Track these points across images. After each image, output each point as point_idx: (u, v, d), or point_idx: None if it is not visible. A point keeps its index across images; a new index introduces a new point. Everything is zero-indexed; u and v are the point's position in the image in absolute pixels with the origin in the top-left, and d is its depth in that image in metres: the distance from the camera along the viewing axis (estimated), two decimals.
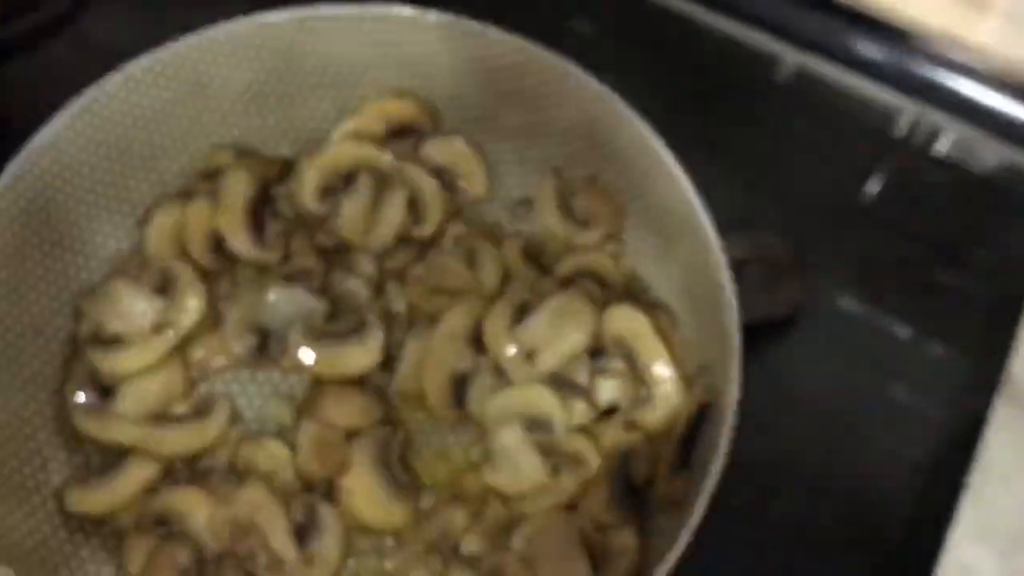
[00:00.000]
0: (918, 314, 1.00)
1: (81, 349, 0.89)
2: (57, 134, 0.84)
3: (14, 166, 0.82)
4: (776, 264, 0.99)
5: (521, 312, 0.88)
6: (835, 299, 1.02)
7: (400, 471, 0.86)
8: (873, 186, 1.09)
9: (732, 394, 0.76)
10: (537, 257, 0.94)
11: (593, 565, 0.79)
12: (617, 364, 0.88)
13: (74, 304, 0.90)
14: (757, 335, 0.81)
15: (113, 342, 0.89)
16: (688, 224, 0.83)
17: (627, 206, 0.93)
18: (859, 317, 1.01)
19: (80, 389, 0.88)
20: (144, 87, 0.88)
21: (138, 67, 0.86)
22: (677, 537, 0.71)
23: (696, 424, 0.82)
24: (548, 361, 0.87)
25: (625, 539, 0.81)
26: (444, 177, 0.97)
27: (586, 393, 0.87)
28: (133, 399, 0.87)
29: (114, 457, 0.86)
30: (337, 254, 0.94)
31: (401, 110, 0.98)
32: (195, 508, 0.82)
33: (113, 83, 0.85)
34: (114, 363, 0.88)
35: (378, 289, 0.92)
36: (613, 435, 0.86)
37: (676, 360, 0.86)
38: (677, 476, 0.81)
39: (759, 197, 1.06)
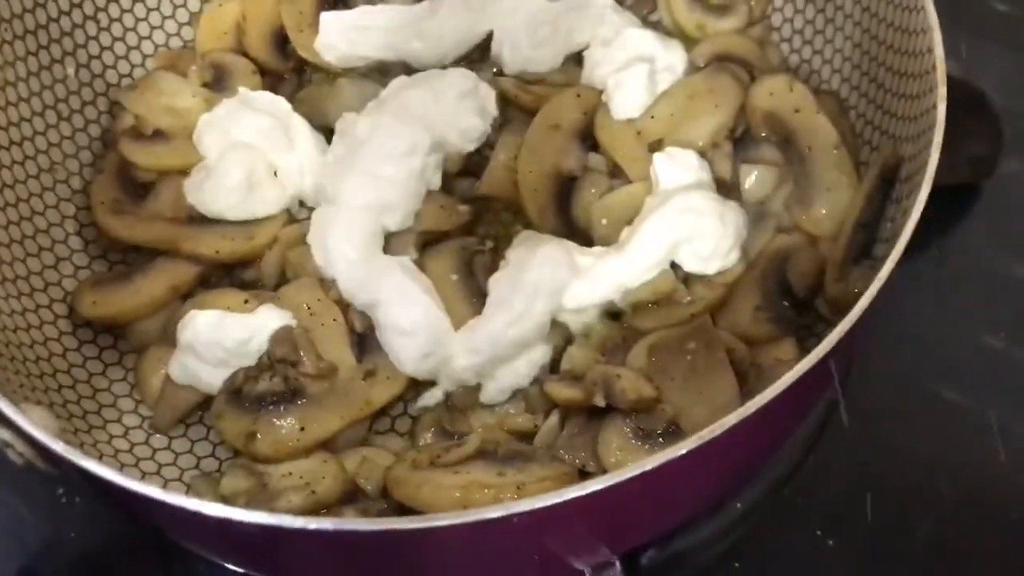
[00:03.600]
0: None
1: (114, 143, 0.74)
2: None
3: None
4: (954, 97, 0.78)
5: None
6: None
7: (486, 287, 0.67)
8: None
9: (935, 139, 0.56)
10: None
11: (740, 384, 0.59)
12: (770, 152, 0.68)
13: (111, 96, 0.76)
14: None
15: (155, 137, 0.75)
16: None
17: None
18: None
19: (109, 185, 0.73)
20: None
21: None
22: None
23: (880, 204, 0.62)
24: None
25: (782, 352, 0.61)
26: None
27: (729, 188, 0.67)
28: (170, 198, 0.72)
29: (143, 261, 0.70)
30: None
31: None
32: (233, 311, 0.65)
33: None
34: (155, 158, 0.74)
35: None
36: (765, 237, 0.66)
37: (848, 143, 0.66)
38: (852, 271, 0.61)
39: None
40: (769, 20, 0.76)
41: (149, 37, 0.79)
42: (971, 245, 0.80)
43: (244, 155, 0.71)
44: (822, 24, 0.72)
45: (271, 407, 0.62)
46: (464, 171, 0.73)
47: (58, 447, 0.48)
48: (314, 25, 0.79)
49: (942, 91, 0.57)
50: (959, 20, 0.90)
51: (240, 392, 0.62)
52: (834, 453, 0.69)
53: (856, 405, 0.70)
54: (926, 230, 0.79)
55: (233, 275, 0.71)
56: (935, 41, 0.58)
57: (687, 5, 0.77)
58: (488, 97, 0.74)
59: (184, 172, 0.73)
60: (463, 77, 0.74)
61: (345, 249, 0.65)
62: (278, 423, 0.61)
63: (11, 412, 0.50)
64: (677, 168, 0.65)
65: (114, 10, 0.77)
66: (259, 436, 0.61)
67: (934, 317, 0.75)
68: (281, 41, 0.80)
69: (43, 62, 0.72)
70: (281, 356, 0.63)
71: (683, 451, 0.48)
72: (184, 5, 0.80)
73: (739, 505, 0.67)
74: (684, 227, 0.62)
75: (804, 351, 0.60)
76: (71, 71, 0.74)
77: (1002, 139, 0.80)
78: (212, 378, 0.63)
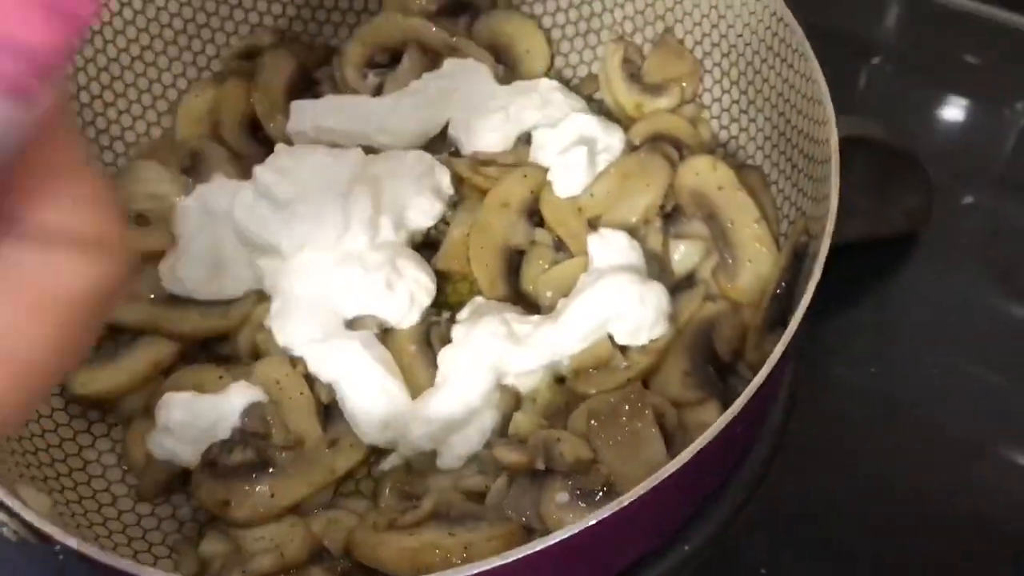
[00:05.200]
0: None
1: None
2: None
3: None
4: (885, 157, 0.85)
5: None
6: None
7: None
8: None
9: (827, 226, 0.62)
10: None
11: (667, 445, 0.65)
12: (696, 227, 0.75)
13: None
14: (862, 259, 0.67)
15: (136, 221, 0.81)
16: (778, 49, 0.71)
17: (704, 60, 0.80)
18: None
19: None
20: None
21: None
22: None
23: (792, 276, 0.68)
24: (615, 226, 0.74)
25: (707, 415, 0.67)
26: (501, 54, 0.87)
27: (660, 260, 0.74)
28: (151, 280, 0.78)
29: (127, 340, 0.76)
30: None
31: None
32: (208, 385, 0.71)
33: None
34: (135, 242, 0.80)
35: None
36: (693, 305, 0.72)
37: (767, 217, 0.72)
38: (769, 338, 0.67)
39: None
40: (700, 99, 0.82)
41: (132, 127, 0.85)
42: (912, 288, 0.87)
43: (212, 240, 0.77)
44: (746, 104, 0.78)
45: (244, 476, 0.68)
46: (424, 244, 0.80)
47: (50, 530, 0.54)
48: (284, 112, 0.85)
49: (835, 180, 0.62)
50: (886, 76, 0.99)
51: (215, 463, 0.68)
52: (779, 491, 0.76)
53: (796, 449, 0.77)
54: (869, 278, 0.86)
55: (210, 349, 0.77)
56: (832, 132, 0.64)
57: (626, 86, 0.83)
58: (444, 177, 0.81)
59: (163, 255, 0.80)
60: (420, 159, 0.80)
61: (305, 331, 0.71)
62: (251, 491, 0.67)
63: (5, 496, 0.56)
64: (609, 249, 0.72)
65: (99, 105, 0.83)
66: (233, 503, 0.67)
67: (881, 359, 0.82)
68: (253, 127, 0.86)
69: None
70: (253, 430, 0.69)
71: (615, 509, 0.53)
72: (163, 96, 0.87)
73: (687, 547, 0.73)
74: (609, 306, 0.68)
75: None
76: None
77: (932, 191, 0.86)
78: (188, 455, 0.69)
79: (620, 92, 0.83)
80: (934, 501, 0.74)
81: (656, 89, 0.82)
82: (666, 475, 0.55)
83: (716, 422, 0.56)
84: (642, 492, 0.54)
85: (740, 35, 0.76)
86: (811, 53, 0.67)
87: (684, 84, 0.81)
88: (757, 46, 0.74)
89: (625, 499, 0.53)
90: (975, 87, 0.96)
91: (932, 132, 0.96)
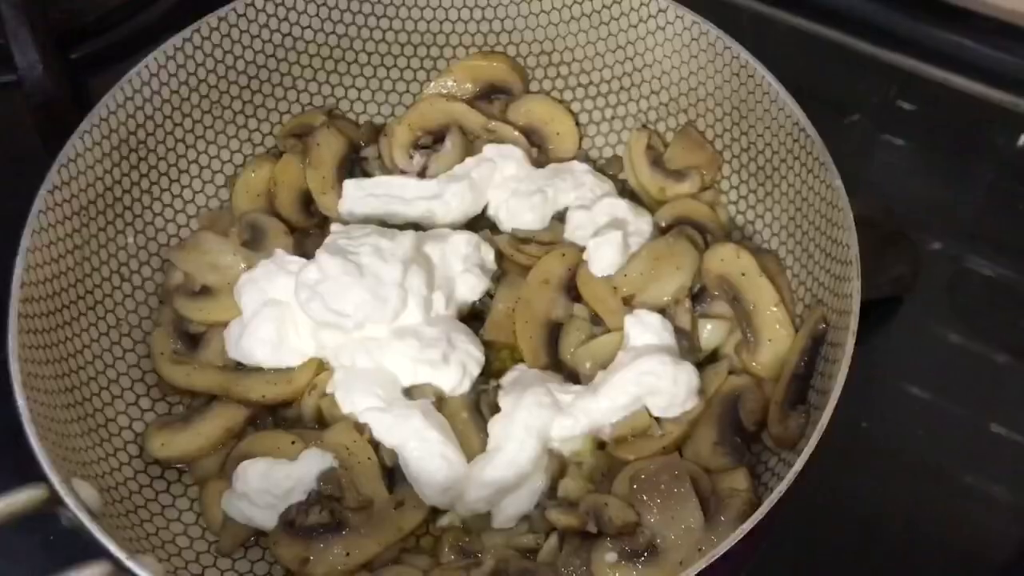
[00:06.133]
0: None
1: (168, 299, 0.87)
2: (153, 71, 0.84)
3: (109, 99, 0.82)
4: (880, 234, 0.94)
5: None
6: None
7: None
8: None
9: (851, 324, 0.71)
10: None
11: (704, 509, 0.74)
12: (721, 307, 0.83)
13: (162, 255, 0.89)
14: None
15: (202, 293, 0.87)
16: (797, 153, 0.80)
17: (724, 152, 0.89)
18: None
19: (167, 338, 0.86)
20: (238, 32, 0.88)
21: (233, 10, 0.87)
22: (788, 470, 0.65)
23: (810, 358, 0.77)
24: (647, 305, 0.83)
25: (736, 482, 0.75)
26: (533, 136, 0.95)
27: (689, 337, 0.82)
28: (219, 347, 0.85)
29: (200, 403, 0.83)
30: None
31: (490, 69, 0.96)
32: (281, 451, 0.78)
33: (207, 25, 0.86)
34: (204, 313, 0.86)
35: None
36: (719, 379, 0.80)
37: (785, 300, 0.81)
38: (791, 415, 0.76)
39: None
40: (718, 185, 0.91)
41: (192, 200, 0.92)
42: (895, 347, 0.96)
43: (275, 312, 0.84)
44: (763, 195, 0.87)
45: (320, 536, 0.75)
46: (471, 316, 0.87)
47: None
48: (336, 188, 0.92)
49: (857, 284, 0.71)
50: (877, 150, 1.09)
51: (293, 523, 0.75)
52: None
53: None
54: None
55: (277, 415, 0.84)
56: (852, 241, 0.73)
57: (649, 171, 0.92)
58: (488, 255, 0.88)
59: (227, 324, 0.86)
60: (468, 240, 0.88)
61: (369, 400, 0.79)
62: (327, 550, 0.74)
63: (129, 562, 0.63)
64: (644, 329, 0.80)
65: (164, 181, 0.90)
66: (312, 560, 0.74)
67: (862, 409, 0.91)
68: (306, 201, 0.93)
69: (109, 234, 0.85)
70: (327, 493, 0.76)
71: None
72: (221, 170, 0.93)
73: None
74: (646, 384, 0.77)
75: (754, 479, 0.76)
76: (131, 239, 0.87)
77: (919, 261, 0.96)
78: (264, 519, 0.76)
79: (644, 175, 0.92)
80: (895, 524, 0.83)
81: (678, 175, 0.91)
82: (722, 550, 0.64)
83: (763, 505, 0.64)
84: (702, 566, 0.62)
85: (760, 135, 0.84)
86: (831, 163, 0.76)
87: (704, 172, 0.90)
88: (777, 147, 0.82)
89: (690, 570, 0.61)
90: (943, 147, 1.06)
91: (903, 186, 1.04)
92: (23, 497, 0.63)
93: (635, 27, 0.89)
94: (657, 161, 0.92)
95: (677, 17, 0.85)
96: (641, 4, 0.87)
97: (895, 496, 0.85)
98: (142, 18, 1.12)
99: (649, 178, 0.91)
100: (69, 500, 0.63)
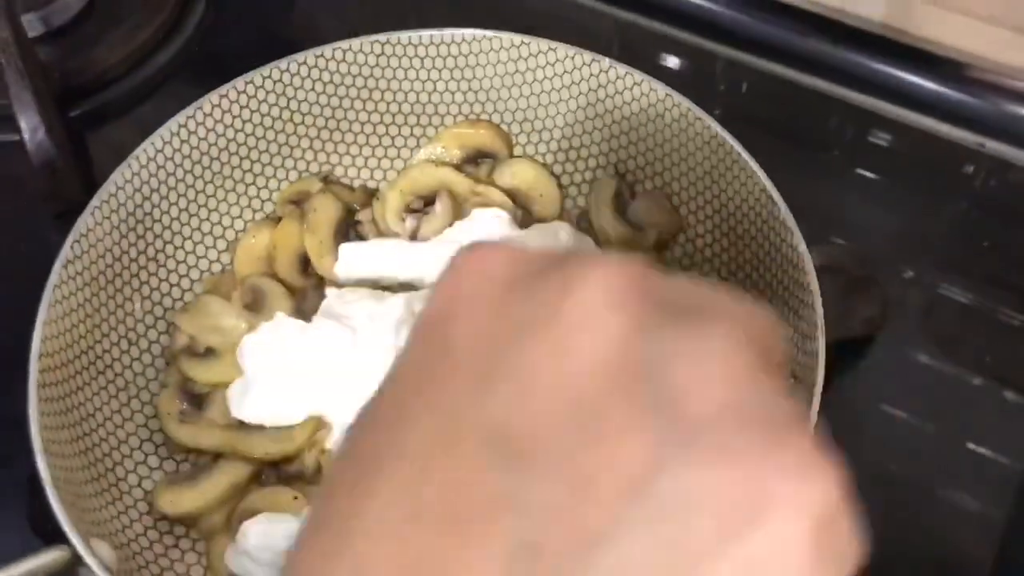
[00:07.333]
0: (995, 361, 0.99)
1: (174, 360, 0.92)
2: (157, 147, 0.89)
3: (118, 175, 0.87)
4: (848, 280, 0.99)
5: None
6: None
7: None
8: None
9: (817, 380, 0.76)
10: None
11: None
12: None
13: (167, 318, 0.94)
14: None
15: (206, 354, 0.92)
16: (765, 217, 0.85)
17: (698, 213, 0.95)
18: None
19: (173, 399, 0.90)
20: (238, 108, 0.93)
21: (234, 88, 0.92)
22: None
23: None
24: None
25: None
26: (518, 198, 1.01)
27: None
28: (223, 407, 0.90)
29: (206, 461, 0.88)
30: None
31: (477, 136, 1.02)
32: (283, 506, 0.83)
33: (209, 102, 0.91)
34: (207, 374, 0.91)
35: None
36: None
37: None
38: None
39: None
40: (693, 243, 0.96)
41: (196, 265, 0.97)
42: (872, 370, 1.00)
43: (277, 372, 0.89)
44: (735, 253, 0.92)
45: None
46: None
47: None
48: (332, 252, 0.97)
49: (822, 342, 0.76)
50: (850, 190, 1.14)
51: None
52: None
53: None
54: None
55: (280, 471, 0.88)
56: (817, 301, 0.78)
57: (612, 218, 0.96)
58: None
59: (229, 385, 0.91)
60: None
61: None
62: None
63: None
64: None
65: (169, 248, 0.95)
66: None
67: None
68: (304, 263, 0.99)
69: (118, 301, 0.90)
70: None
71: None
72: (223, 236, 0.98)
73: None
74: None
75: None
76: (138, 304, 0.92)
77: (887, 305, 1.01)
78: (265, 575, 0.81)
79: (606, 220, 0.97)
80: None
81: (637, 228, 0.96)
82: None
83: None
84: None
85: (731, 199, 0.90)
86: (796, 227, 0.81)
87: (663, 232, 0.96)
88: (747, 211, 0.88)
89: None
90: (914, 182, 1.12)
91: (878, 219, 1.10)
92: (48, 559, 0.68)
93: (612, 97, 0.95)
94: (620, 210, 0.98)
95: (652, 90, 0.91)
96: (617, 77, 0.93)
97: (873, 511, 0.89)
98: (139, 74, 1.18)
99: (610, 223, 0.97)
100: (90, 561, 0.68)
